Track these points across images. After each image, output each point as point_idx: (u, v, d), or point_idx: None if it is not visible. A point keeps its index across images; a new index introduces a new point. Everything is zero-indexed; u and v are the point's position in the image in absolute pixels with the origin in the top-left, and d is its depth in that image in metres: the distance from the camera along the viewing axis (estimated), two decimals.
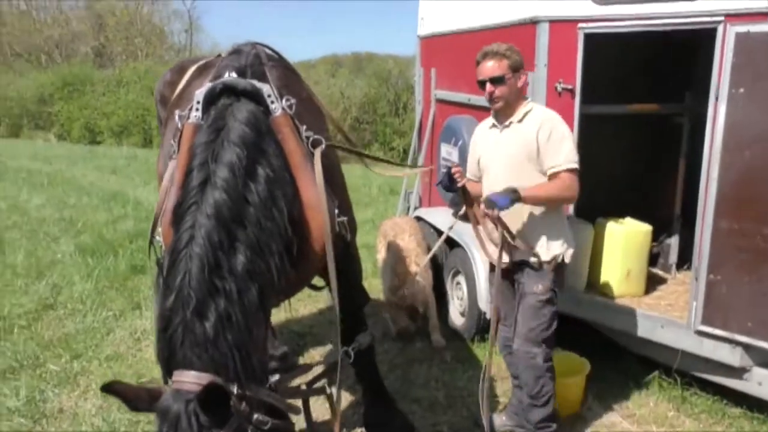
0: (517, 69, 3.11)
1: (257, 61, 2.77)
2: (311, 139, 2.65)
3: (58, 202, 9.57)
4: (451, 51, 5.20)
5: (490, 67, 3.08)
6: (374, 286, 5.57)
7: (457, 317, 4.84)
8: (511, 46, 3.14)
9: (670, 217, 4.78)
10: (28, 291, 5.70)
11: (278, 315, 4.81)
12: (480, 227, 3.29)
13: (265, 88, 2.54)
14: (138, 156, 15.32)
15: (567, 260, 3.18)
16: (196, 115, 2.56)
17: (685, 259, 4.53)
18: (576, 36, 3.75)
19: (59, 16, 32.66)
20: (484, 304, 4.26)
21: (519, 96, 3.17)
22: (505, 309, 3.33)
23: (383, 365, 4.19)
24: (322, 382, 2.76)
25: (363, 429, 3.52)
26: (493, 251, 3.18)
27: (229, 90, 2.52)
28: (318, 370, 2.89)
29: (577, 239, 3.97)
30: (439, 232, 4.72)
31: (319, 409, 3.17)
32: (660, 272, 4.73)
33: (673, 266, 4.72)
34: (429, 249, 5.00)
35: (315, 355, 4.60)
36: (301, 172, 2.53)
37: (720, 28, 3.33)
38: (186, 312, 2.00)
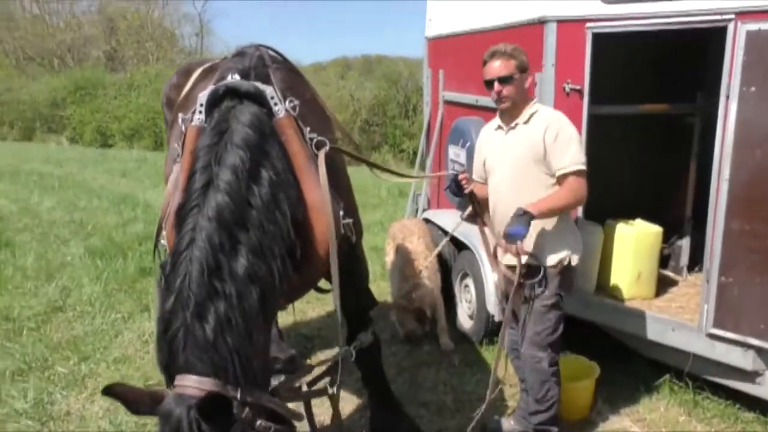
0: (524, 69, 3.09)
1: (261, 63, 2.76)
2: (315, 140, 2.63)
3: (68, 204, 9.62)
4: (459, 52, 5.17)
5: (498, 67, 3.05)
6: (383, 288, 5.56)
7: (465, 320, 4.81)
8: (517, 46, 3.12)
9: (681, 218, 4.73)
10: (37, 293, 5.73)
11: (286, 318, 4.81)
12: (486, 229, 3.27)
13: (269, 90, 2.52)
14: (148, 159, 15.38)
15: (573, 264, 3.14)
16: (199, 117, 2.55)
17: (696, 261, 4.48)
18: (584, 36, 3.71)
19: (71, 21, 32.94)
20: (493, 306, 4.22)
21: (526, 97, 3.15)
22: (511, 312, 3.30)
23: (391, 368, 4.17)
24: (324, 381, 2.73)
25: None
26: (500, 254, 3.16)
27: (232, 92, 2.51)
28: (320, 370, 2.87)
29: (587, 241, 3.94)
30: (446, 234, 4.70)
31: (326, 413, 3.15)
32: (671, 274, 4.67)
33: (684, 268, 4.67)
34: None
35: (323, 357, 4.57)
36: (305, 174, 2.51)
37: (730, 26, 3.28)
38: (186, 314, 1.98)
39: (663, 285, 4.37)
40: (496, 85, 3.06)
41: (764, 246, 3.22)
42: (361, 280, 3.27)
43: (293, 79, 2.97)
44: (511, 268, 3.12)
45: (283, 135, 2.49)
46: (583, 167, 3.01)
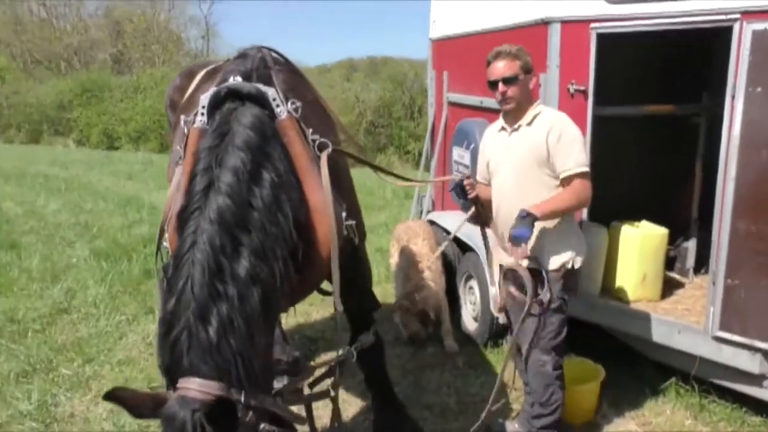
0: (528, 70, 3.08)
1: (263, 64, 2.76)
2: (317, 142, 2.62)
3: (74, 207, 9.65)
4: (463, 53, 5.15)
5: (502, 67, 3.04)
6: (388, 290, 5.54)
7: (470, 322, 4.79)
8: (521, 47, 3.11)
9: (687, 219, 4.71)
10: (42, 295, 5.74)
11: (291, 320, 4.80)
12: (489, 230, 3.26)
13: (271, 92, 2.52)
14: (154, 161, 15.42)
15: (577, 266, 3.11)
16: (201, 119, 2.55)
17: (702, 263, 4.45)
18: (588, 36, 3.68)
19: (78, 24, 33.13)
20: (496, 309, 4.20)
21: (530, 98, 3.14)
22: (514, 314, 3.28)
23: (395, 370, 4.15)
24: (326, 383, 2.72)
25: None
26: (504, 256, 3.14)
27: (234, 94, 2.50)
28: (321, 372, 2.86)
29: (592, 243, 3.92)
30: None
31: (329, 414, 3.13)
32: (677, 276, 4.64)
33: (691, 270, 4.64)
34: (443, 253, 4.96)
35: (327, 359, 4.55)
36: (308, 175, 2.51)
37: (736, 26, 3.26)
38: (188, 316, 1.97)
39: (669, 287, 4.34)
40: (501, 85, 3.04)
41: None
42: (364, 282, 3.25)
43: (295, 81, 2.96)
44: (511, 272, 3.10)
45: (286, 137, 2.49)
46: (587, 169, 2.99)
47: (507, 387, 3.89)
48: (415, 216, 6.10)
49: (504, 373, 3.23)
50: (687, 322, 3.77)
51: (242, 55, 2.84)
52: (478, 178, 3.42)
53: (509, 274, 3.12)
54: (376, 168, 3.32)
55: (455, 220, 4.89)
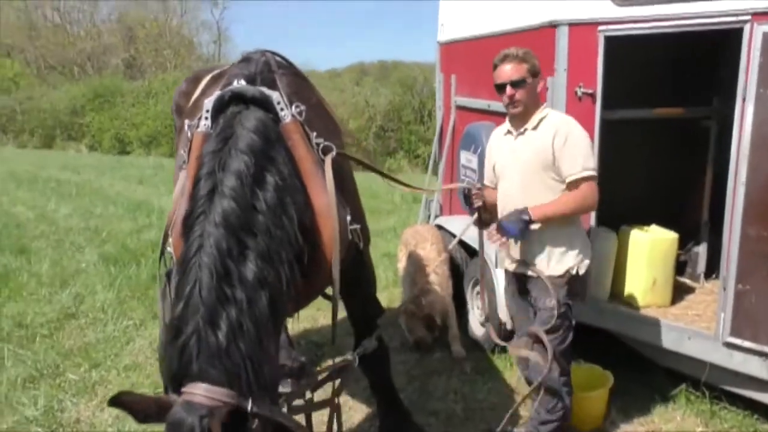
0: (535, 74, 3.06)
1: (267, 68, 2.74)
2: (321, 145, 2.61)
3: (84, 211, 9.71)
4: (471, 57, 5.13)
5: (510, 70, 3.01)
6: (395, 295, 5.52)
7: (477, 327, 4.75)
8: (528, 50, 3.08)
9: (697, 224, 4.65)
10: (51, 300, 5.76)
11: (297, 325, 4.78)
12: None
13: (275, 95, 2.50)
14: (164, 165, 15.49)
15: (582, 272, 3.07)
16: (205, 123, 2.54)
17: (714, 268, 4.38)
18: (596, 39, 3.64)
19: (92, 30, 33.46)
20: (504, 313, 4.16)
21: (537, 102, 3.11)
22: (520, 320, 3.25)
23: (401, 376, 4.13)
24: (328, 390, 2.69)
25: None
26: (509, 262, 3.12)
27: (238, 98, 2.49)
28: (323, 377, 2.84)
29: (601, 248, 3.89)
30: (460, 241, 4.65)
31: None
32: (687, 281, 4.59)
33: (702, 275, 4.58)
34: (450, 258, 4.93)
35: (333, 365, 4.53)
36: (312, 179, 2.49)
37: (746, 28, 3.21)
38: (198, 320, 1.96)
39: (679, 292, 4.29)
40: (509, 89, 3.01)
41: None
42: (368, 287, 3.23)
43: (299, 84, 2.95)
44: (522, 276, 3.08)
45: (290, 140, 2.47)
46: (594, 173, 2.96)
47: (516, 393, 3.85)
48: (423, 220, 6.08)
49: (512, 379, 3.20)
50: (697, 327, 3.71)
51: (246, 59, 2.83)
52: (486, 181, 3.40)
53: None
54: (380, 173, 3.29)
55: (463, 225, 4.87)
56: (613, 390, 3.65)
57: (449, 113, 5.57)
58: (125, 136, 21.72)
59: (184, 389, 1.92)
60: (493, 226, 3.03)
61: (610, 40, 3.64)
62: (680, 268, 4.51)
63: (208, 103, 2.55)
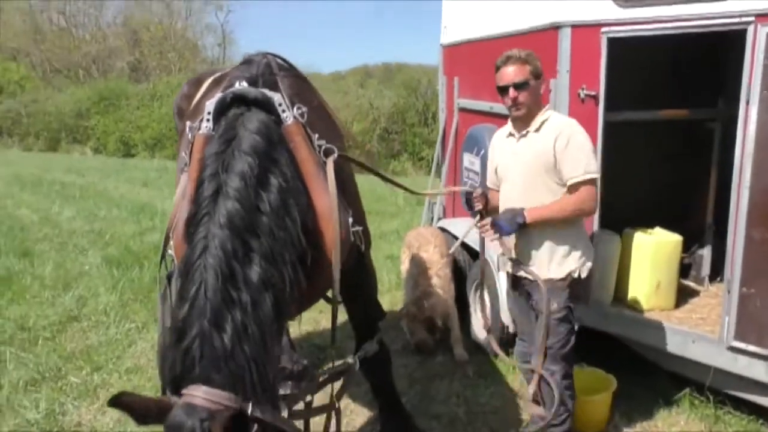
0: (538, 76, 3.04)
1: (268, 70, 2.73)
2: (323, 147, 2.60)
3: (88, 214, 9.72)
4: (473, 59, 5.12)
5: (512, 72, 3.00)
6: (398, 298, 5.50)
7: (480, 330, 4.73)
8: (530, 52, 3.07)
9: (702, 226, 4.62)
10: (54, 303, 5.76)
11: (299, 328, 4.76)
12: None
13: (276, 97, 2.49)
14: (169, 168, 15.49)
15: (584, 275, 3.06)
16: (207, 126, 2.53)
17: (718, 271, 4.36)
18: (599, 40, 3.63)
19: (97, 33, 33.58)
20: (507, 317, 4.14)
21: (539, 104, 3.10)
22: (521, 323, 3.24)
23: (403, 380, 4.11)
24: (328, 394, 2.68)
25: None
26: (509, 265, 3.11)
27: (240, 100, 2.48)
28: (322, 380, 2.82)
29: (604, 251, 3.86)
30: (463, 244, 4.63)
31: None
32: (692, 284, 4.56)
33: (706, 278, 4.56)
34: (454, 261, 4.91)
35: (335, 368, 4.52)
36: (314, 181, 2.48)
37: (750, 29, 3.19)
38: (203, 323, 1.94)
39: (683, 296, 4.26)
40: (512, 91, 3.00)
41: None
42: (370, 290, 3.22)
43: (301, 86, 2.94)
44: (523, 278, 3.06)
45: (292, 142, 2.46)
46: (595, 176, 2.94)
47: (517, 397, 3.83)
48: (426, 223, 6.06)
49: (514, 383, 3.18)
50: (701, 331, 3.69)
51: (247, 61, 2.82)
52: (488, 183, 3.39)
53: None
54: (380, 175, 3.27)
55: (466, 228, 4.85)
56: (616, 394, 3.62)
57: (452, 116, 5.56)
58: (130, 138, 21.75)
59: (184, 391, 1.90)
60: (488, 220, 3.04)
61: (613, 42, 3.62)
62: (684, 271, 4.48)
63: (210, 105, 2.53)
